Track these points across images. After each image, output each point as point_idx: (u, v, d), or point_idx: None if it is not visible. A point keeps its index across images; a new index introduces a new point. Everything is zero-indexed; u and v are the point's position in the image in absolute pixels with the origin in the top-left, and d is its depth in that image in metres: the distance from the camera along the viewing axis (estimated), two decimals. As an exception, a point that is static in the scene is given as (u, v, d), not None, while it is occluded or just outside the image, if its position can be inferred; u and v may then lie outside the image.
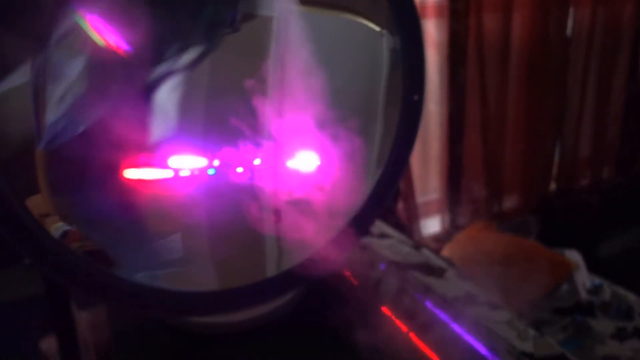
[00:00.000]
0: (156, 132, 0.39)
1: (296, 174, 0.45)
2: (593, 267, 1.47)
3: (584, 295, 1.33)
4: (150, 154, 0.40)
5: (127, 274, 0.42)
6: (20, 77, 0.35)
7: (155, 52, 0.37)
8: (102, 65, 0.36)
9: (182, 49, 0.38)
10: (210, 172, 0.43)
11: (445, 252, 1.48)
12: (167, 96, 0.38)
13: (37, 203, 0.37)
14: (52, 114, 0.36)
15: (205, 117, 0.41)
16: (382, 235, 0.80)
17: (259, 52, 0.42)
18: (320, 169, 0.45)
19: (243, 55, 0.42)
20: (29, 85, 0.35)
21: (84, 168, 0.38)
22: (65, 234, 0.39)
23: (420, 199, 1.67)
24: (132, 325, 0.53)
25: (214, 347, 0.49)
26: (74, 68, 0.35)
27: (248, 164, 0.43)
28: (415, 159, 1.62)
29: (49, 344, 1.04)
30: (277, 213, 0.46)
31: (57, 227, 0.39)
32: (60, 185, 0.39)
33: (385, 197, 0.53)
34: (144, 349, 0.50)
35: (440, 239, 1.70)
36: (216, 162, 0.42)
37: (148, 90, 0.38)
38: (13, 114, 0.36)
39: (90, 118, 0.37)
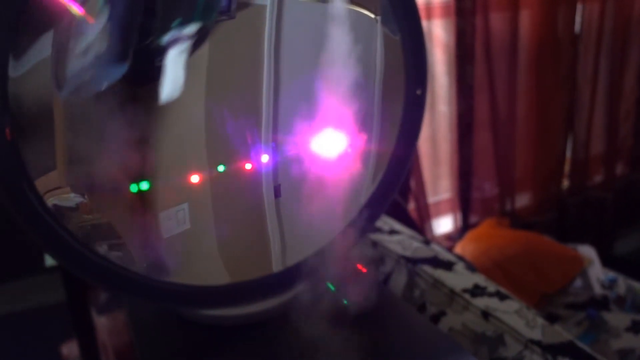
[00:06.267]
0: (166, 91, 0.40)
1: (298, 170, 0.46)
2: (608, 264, 1.47)
3: (598, 290, 1.32)
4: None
5: (139, 267, 0.43)
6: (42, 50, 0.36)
7: (162, 21, 0.39)
8: (119, 28, 0.37)
9: (184, 23, 0.39)
10: (220, 168, 0.45)
11: (458, 249, 1.48)
12: (175, 58, 0.39)
13: (49, 179, 0.38)
14: (76, 64, 0.37)
15: (206, 115, 0.42)
16: (392, 232, 0.81)
17: (254, 41, 0.43)
18: (320, 164, 0.47)
19: (240, 44, 0.43)
20: (50, 48, 0.36)
21: (103, 133, 0.38)
22: (77, 206, 0.39)
23: (431, 199, 1.68)
24: (147, 318, 0.54)
25: (228, 338, 0.50)
26: (95, 27, 0.37)
27: (249, 160, 0.44)
28: (425, 159, 1.63)
29: (69, 348, 1.06)
30: (280, 208, 0.47)
31: (68, 199, 0.39)
32: (78, 151, 0.39)
33: (388, 195, 0.53)
34: (159, 342, 0.52)
35: (452, 238, 1.70)
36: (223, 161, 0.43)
37: (159, 54, 0.39)
38: (31, 90, 0.36)
39: (111, 76, 0.38)
